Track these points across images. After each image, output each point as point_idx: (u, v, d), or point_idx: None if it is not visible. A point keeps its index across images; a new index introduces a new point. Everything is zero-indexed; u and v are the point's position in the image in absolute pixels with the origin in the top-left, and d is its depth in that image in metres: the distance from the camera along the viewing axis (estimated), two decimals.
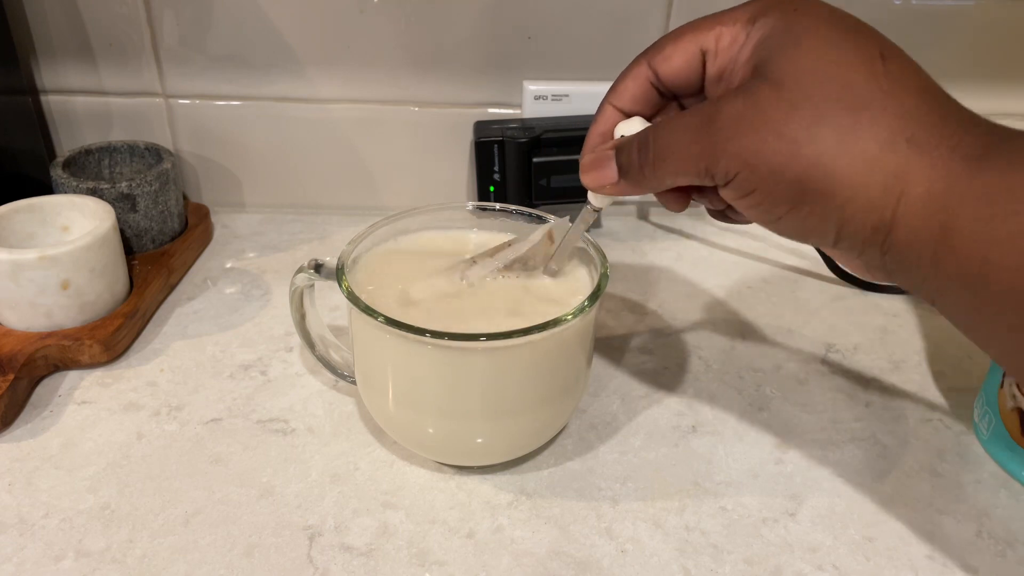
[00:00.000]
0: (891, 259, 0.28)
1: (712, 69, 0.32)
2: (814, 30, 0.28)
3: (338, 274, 0.37)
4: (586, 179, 0.34)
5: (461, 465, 0.39)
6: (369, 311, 0.34)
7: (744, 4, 0.31)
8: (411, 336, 0.33)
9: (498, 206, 0.43)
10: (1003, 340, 0.27)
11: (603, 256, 0.38)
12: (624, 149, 0.32)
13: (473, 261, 0.39)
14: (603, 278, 0.36)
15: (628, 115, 0.34)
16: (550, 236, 0.39)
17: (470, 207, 0.43)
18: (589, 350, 0.39)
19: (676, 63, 0.32)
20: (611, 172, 0.33)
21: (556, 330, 0.34)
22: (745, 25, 0.30)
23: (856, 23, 0.29)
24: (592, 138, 0.35)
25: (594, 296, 0.35)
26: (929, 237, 0.26)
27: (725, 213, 0.35)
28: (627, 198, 0.63)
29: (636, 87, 0.33)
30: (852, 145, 0.27)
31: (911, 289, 0.29)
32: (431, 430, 0.37)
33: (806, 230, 0.29)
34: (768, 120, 0.27)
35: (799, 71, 0.28)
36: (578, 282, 0.39)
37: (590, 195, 0.36)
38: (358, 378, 0.40)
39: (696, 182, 0.30)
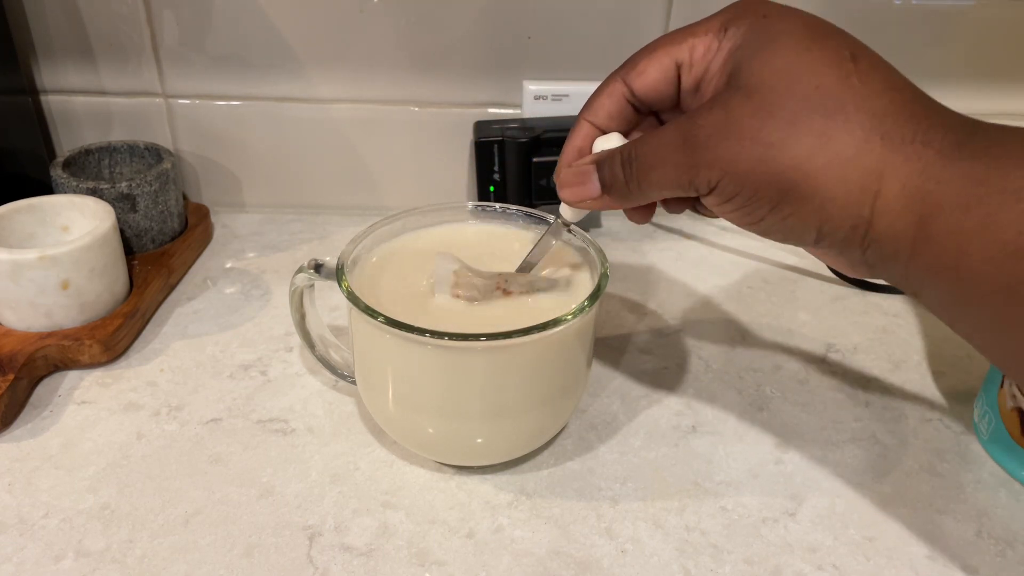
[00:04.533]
0: (871, 254, 0.29)
1: (687, 81, 0.32)
2: (784, 36, 0.29)
3: (338, 274, 0.37)
4: (566, 193, 0.34)
5: (461, 465, 0.39)
6: (369, 311, 0.34)
7: (715, 14, 0.31)
8: (411, 336, 0.33)
9: (498, 206, 0.43)
10: (983, 332, 0.27)
11: (603, 256, 0.38)
12: (606, 164, 0.33)
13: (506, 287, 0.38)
14: (603, 278, 0.36)
15: (604, 131, 0.34)
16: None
17: (470, 207, 0.43)
18: (589, 350, 0.39)
19: (651, 77, 0.33)
20: (593, 186, 0.33)
21: (556, 330, 0.34)
22: (717, 34, 0.31)
23: (826, 27, 0.29)
24: (568, 153, 0.35)
25: (594, 296, 0.35)
26: (907, 230, 0.27)
27: (695, 207, 0.35)
28: None
29: (612, 104, 0.34)
30: (828, 146, 0.27)
31: (893, 283, 0.29)
32: (431, 430, 0.37)
33: (787, 231, 0.30)
34: (744, 128, 0.28)
35: (771, 77, 0.28)
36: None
37: (563, 209, 0.36)
38: (358, 378, 0.40)
39: (679, 194, 0.31)
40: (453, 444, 0.38)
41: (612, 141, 0.33)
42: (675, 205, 0.35)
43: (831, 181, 0.27)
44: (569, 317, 0.34)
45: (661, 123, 0.35)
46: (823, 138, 0.27)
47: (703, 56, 0.31)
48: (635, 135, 0.35)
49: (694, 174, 0.29)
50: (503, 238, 0.42)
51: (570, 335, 0.36)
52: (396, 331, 0.33)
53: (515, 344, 0.33)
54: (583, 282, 0.39)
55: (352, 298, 0.35)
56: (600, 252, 0.38)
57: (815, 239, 0.29)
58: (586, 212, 0.36)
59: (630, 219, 0.36)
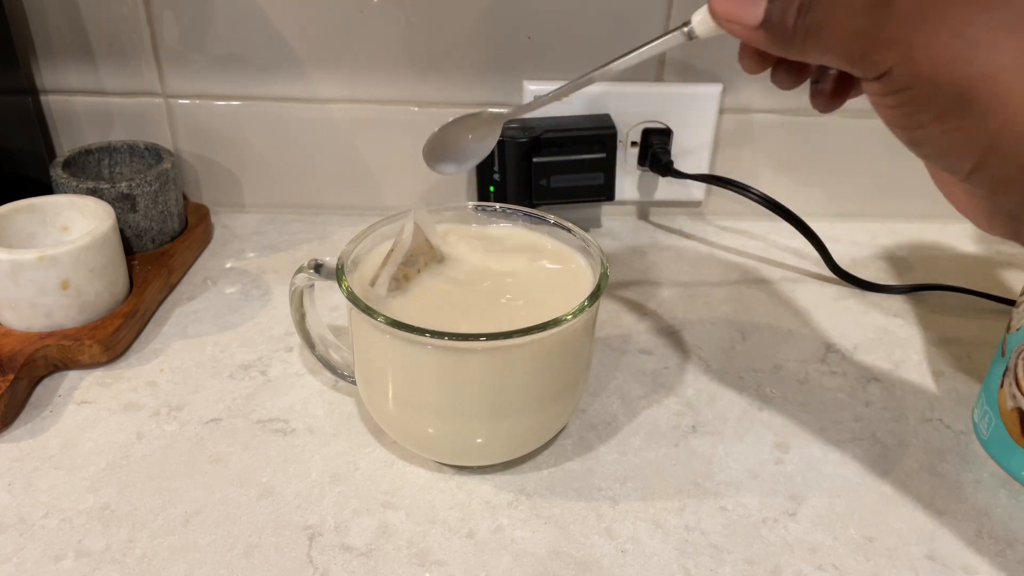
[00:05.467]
0: None
1: None
2: None
3: (338, 274, 0.37)
4: (720, 5, 0.29)
5: (461, 465, 0.39)
6: (369, 311, 0.34)
7: None
8: (411, 336, 0.33)
9: (498, 206, 0.43)
10: None
11: (603, 256, 0.38)
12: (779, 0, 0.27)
13: (372, 283, 0.38)
14: (603, 278, 0.36)
15: None
16: (418, 226, 0.38)
17: (470, 207, 0.43)
18: (589, 350, 0.39)
19: None
20: (755, 13, 0.28)
21: (556, 330, 0.34)
22: None
23: None
24: None
25: (594, 296, 0.35)
26: None
27: (828, 100, 0.31)
28: (627, 199, 0.63)
29: None
30: None
31: None
32: (431, 430, 0.37)
33: (944, 147, 0.26)
34: (950, 14, 0.24)
35: None
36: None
37: (698, 20, 0.30)
38: (358, 378, 0.40)
39: (842, 66, 0.27)
40: (453, 444, 0.38)
41: None
42: (797, 78, 0.30)
43: (1020, 104, 0.24)
44: (569, 317, 0.34)
45: None
46: None
47: None
48: None
49: (870, 49, 0.25)
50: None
51: (570, 335, 0.36)
52: (396, 331, 0.33)
53: (515, 344, 0.33)
54: (583, 282, 0.39)
55: (352, 298, 0.35)
56: (600, 252, 0.38)
57: (971, 167, 0.25)
58: (721, 33, 0.29)
59: (774, 81, 0.31)
